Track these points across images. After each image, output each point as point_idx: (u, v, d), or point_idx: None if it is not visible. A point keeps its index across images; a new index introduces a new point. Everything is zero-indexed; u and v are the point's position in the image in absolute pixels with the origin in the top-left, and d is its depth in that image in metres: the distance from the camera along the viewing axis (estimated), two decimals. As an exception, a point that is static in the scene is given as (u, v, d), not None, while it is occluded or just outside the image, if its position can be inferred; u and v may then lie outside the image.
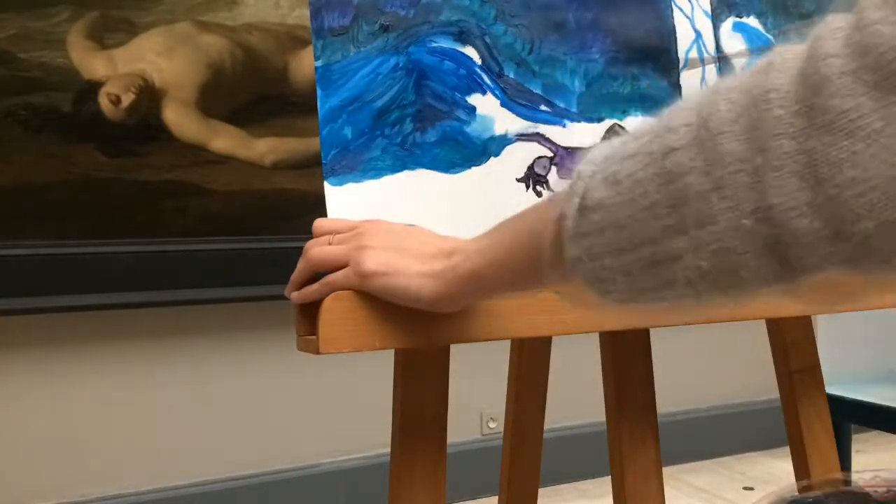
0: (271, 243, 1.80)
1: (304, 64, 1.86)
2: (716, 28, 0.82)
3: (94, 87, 1.70)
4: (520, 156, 0.73)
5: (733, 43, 0.82)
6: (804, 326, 0.91)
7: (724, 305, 0.45)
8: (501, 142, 0.72)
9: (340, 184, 0.66)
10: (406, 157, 0.68)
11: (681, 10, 0.80)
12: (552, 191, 0.73)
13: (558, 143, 0.74)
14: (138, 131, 1.73)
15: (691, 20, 0.81)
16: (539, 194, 0.73)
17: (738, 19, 0.83)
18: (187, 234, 1.76)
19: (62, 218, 1.66)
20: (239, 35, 1.83)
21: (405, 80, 0.69)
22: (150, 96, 1.74)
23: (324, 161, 0.66)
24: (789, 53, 0.40)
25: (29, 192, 1.64)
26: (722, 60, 0.82)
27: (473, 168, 0.71)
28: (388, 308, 0.60)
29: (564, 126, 0.75)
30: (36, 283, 1.62)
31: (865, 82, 0.36)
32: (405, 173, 0.68)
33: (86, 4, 1.69)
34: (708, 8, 0.82)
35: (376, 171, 0.67)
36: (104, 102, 1.70)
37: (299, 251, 0.64)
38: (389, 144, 0.68)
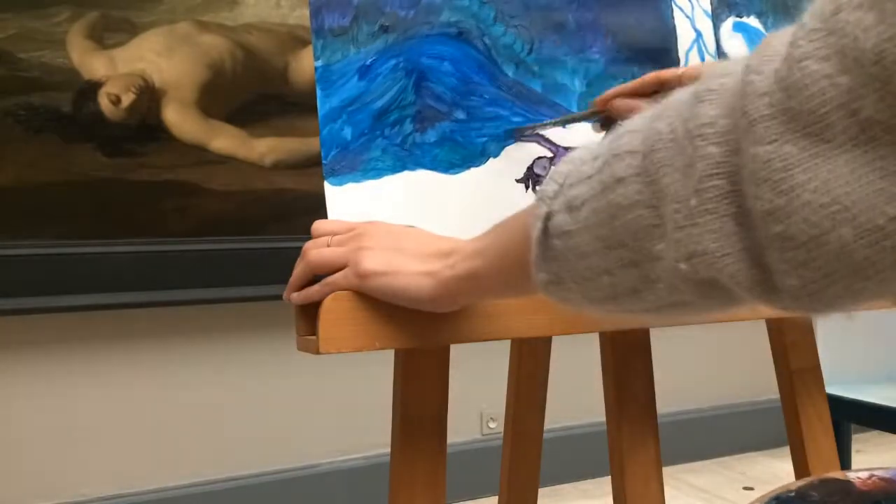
0: (271, 243, 1.80)
1: (304, 64, 1.86)
2: (716, 28, 0.82)
3: (94, 87, 1.70)
4: (519, 156, 0.73)
5: (733, 43, 0.83)
6: (804, 326, 0.91)
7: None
8: (501, 142, 0.72)
9: (340, 184, 0.66)
10: (406, 158, 0.68)
11: (681, 10, 0.80)
12: None
13: (558, 143, 0.74)
14: (138, 131, 1.73)
15: (692, 20, 0.81)
16: None
17: (738, 19, 0.83)
18: (187, 234, 1.76)
19: (62, 218, 1.66)
20: (239, 35, 1.83)
21: (405, 81, 0.69)
22: (150, 96, 1.74)
23: (324, 161, 0.66)
24: (727, 79, 0.37)
25: (29, 192, 1.64)
26: (722, 59, 0.82)
27: (473, 168, 0.71)
28: (388, 308, 0.60)
29: (564, 126, 0.75)
30: (36, 283, 1.62)
31: (791, 127, 0.33)
32: (405, 173, 0.68)
33: (86, 4, 1.69)
34: (708, 8, 0.82)
35: (376, 172, 0.67)
36: (104, 102, 1.70)
37: (299, 251, 0.64)
38: (389, 145, 0.68)
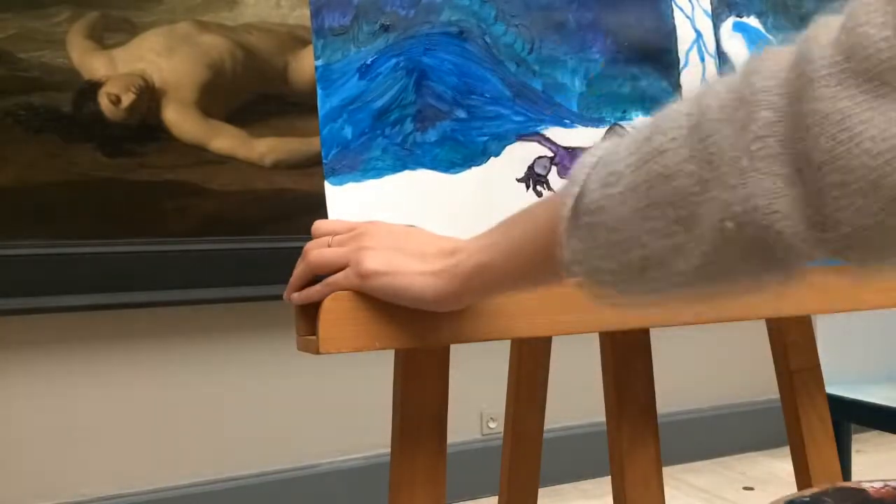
0: (271, 243, 1.80)
1: (304, 64, 1.86)
2: (716, 28, 0.82)
3: (94, 87, 1.70)
4: (520, 156, 0.73)
5: (734, 43, 0.82)
6: (804, 326, 0.91)
7: (717, 300, 0.45)
8: (502, 142, 0.72)
9: (341, 183, 0.66)
10: (406, 157, 0.68)
11: (681, 10, 0.80)
12: (553, 191, 0.73)
13: (559, 142, 0.74)
14: (138, 131, 1.73)
15: (692, 20, 0.81)
16: (539, 194, 0.73)
17: (738, 19, 0.83)
18: (187, 234, 1.76)
19: (62, 218, 1.66)
20: (239, 35, 1.83)
21: (405, 80, 0.69)
22: (150, 96, 1.74)
23: (324, 161, 0.66)
24: (780, 54, 0.40)
25: (29, 192, 1.63)
26: (722, 60, 0.82)
27: (474, 168, 0.71)
28: (388, 308, 0.60)
29: (565, 126, 0.75)
30: (36, 283, 1.62)
31: (849, 85, 0.35)
32: (406, 173, 0.68)
33: (86, 4, 1.69)
34: (708, 8, 0.82)
35: (377, 171, 0.67)
36: (104, 102, 1.70)
37: (299, 251, 0.64)
38: (390, 144, 0.68)
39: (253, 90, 1.84)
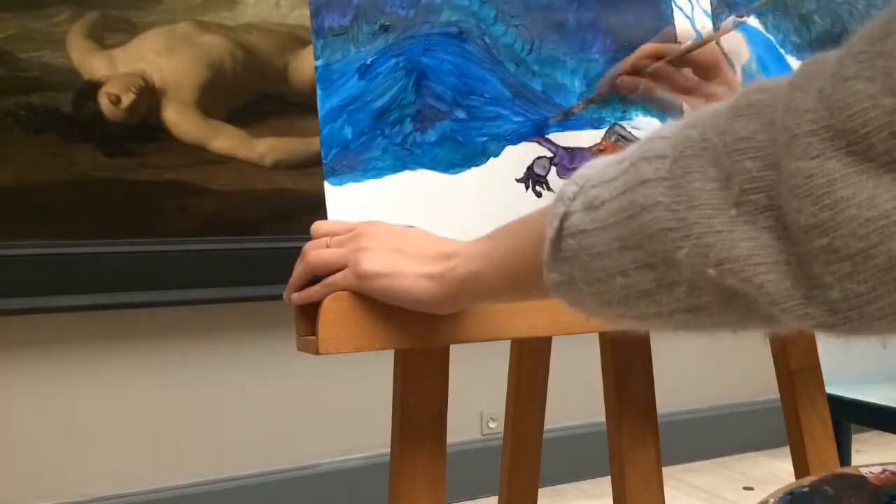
0: (271, 243, 1.80)
1: (304, 64, 1.86)
2: (716, 28, 0.82)
3: (94, 87, 1.70)
4: (519, 156, 0.73)
5: (734, 41, 0.83)
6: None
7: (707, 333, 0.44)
8: (501, 142, 0.72)
9: (341, 183, 0.66)
10: (406, 157, 0.68)
11: (681, 9, 0.80)
12: (552, 191, 0.73)
13: (558, 143, 0.74)
14: (138, 131, 1.73)
15: (691, 20, 0.81)
16: (539, 195, 0.73)
17: (738, 19, 0.83)
18: (187, 234, 1.76)
19: (62, 218, 1.66)
20: (239, 35, 1.83)
21: (405, 80, 0.69)
22: (150, 96, 1.74)
23: (324, 161, 0.66)
24: (766, 95, 0.38)
25: (29, 192, 1.63)
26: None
27: (473, 168, 0.71)
28: (388, 308, 0.60)
29: (565, 126, 0.75)
30: (36, 283, 1.62)
31: (834, 145, 0.33)
32: (405, 173, 0.68)
33: (86, 4, 1.69)
34: (708, 8, 0.82)
35: (377, 171, 0.67)
36: (104, 102, 1.70)
37: (299, 251, 0.64)
38: (390, 144, 0.68)
39: (253, 90, 1.84)
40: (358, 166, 0.67)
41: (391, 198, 0.67)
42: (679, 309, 0.41)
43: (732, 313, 0.39)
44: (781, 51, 0.85)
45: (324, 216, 0.65)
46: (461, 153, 0.70)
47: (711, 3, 0.82)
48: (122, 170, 1.71)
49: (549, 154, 0.74)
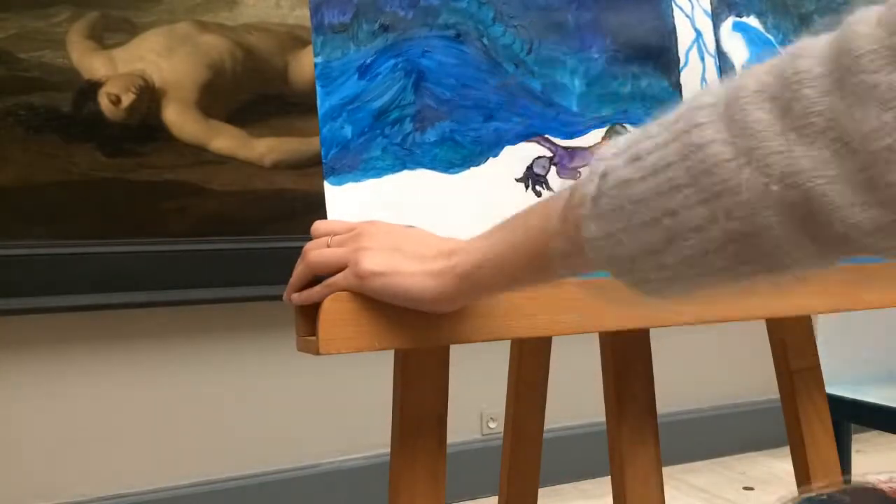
0: (271, 243, 1.80)
1: (304, 64, 1.86)
2: (716, 27, 0.82)
3: (94, 87, 1.70)
4: (519, 156, 0.73)
5: (733, 42, 0.83)
6: (804, 326, 0.91)
7: (748, 283, 0.44)
8: (500, 142, 0.72)
9: (340, 183, 0.66)
10: (406, 157, 0.68)
11: (681, 9, 0.80)
12: (552, 190, 0.73)
13: (558, 143, 0.74)
14: (138, 131, 1.73)
15: (692, 19, 0.81)
16: (538, 194, 0.73)
17: (738, 19, 0.83)
18: (187, 234, 1.76)
19: (62, 218, 1.66)
20: (239, 35, 1.83)
21: (404, 81, 0.69)
22: (150, 96, 1.74)
23: (324, 160, 0.66)
24: (820, 40, 0.40)
25: (29, 192, 1.63)
26: (722, 59, 0.82)
27: (473, 168, 0.71)
28: (388, 309, 0.60)
29: (564, 125, 0.75)
30: (36, 283, 1.62)
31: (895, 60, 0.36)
32: (405, 173, 0.68)
33: (86, 4, 1.69)
34: (708, 7, 0.82)
35: (376, 171, 0.67)
36: (104, 102, 1.70)
37: (299, 251, 0.64)
38: (389, 144, 0.68)
39: (253, 90, 1.84)
40: (357, 166, 0.67)
41: (391, 198, 0.67)
42: (727, 240, 0.41)
43: (794, 228, 0.40)
44: (781, 51, 0.85)
45: (324, 216, 0.65)
46: (460, 153, 0.70)
47: (711, 3, 0.82)
48: (122, 170, 1.71)
49: (549, 154, 0.74)
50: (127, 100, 1.72)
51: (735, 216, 0.41)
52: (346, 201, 0.66)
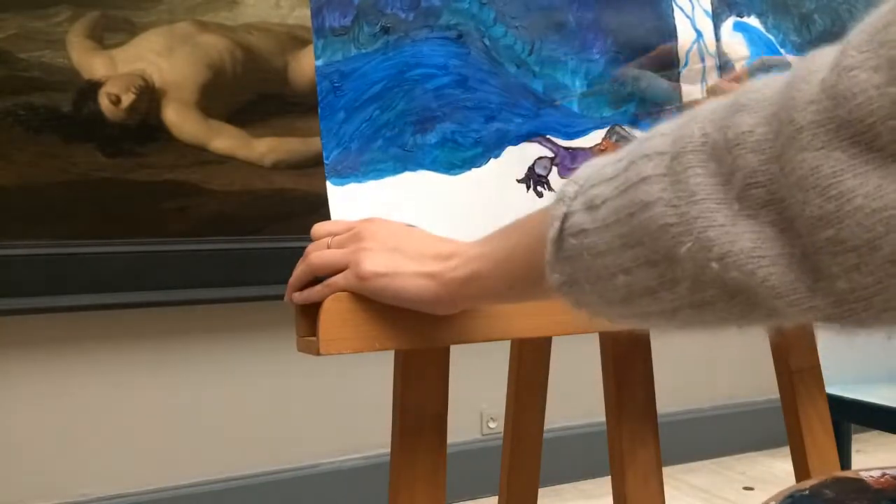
0: (271, 243, 1.80)
1: (304, 64, 1.86)
2: (716, 28, 0.82)
3: (94, 87, 1.70)
4: (520, 157, 0.73)
5: (734, 42, 0.83)
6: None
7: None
8: (502, 142, 0.72)
9: (343, 184, 0.66)
10: (407, 159, 0.68)
11: (681, 9, 0.80)
12: (553, 191, 0.73)
13: (559, 143, 0.74)
14: (138, 131, 1.73)
15: (692, 20, 0.81)
16: (540, 195, 0.73)
17: (738, 19, 0.83)
18: (187, 234, 1.76)
19: (62, 218, 1.66)
20: (239, 35, 1.83)
21: (405, 83, 0.69)
22: (150, 96, 1.74)
23: (325, 161, 0.66)
24: (767, 90, 0.37)
25: (29, 192, 1.63)
26: (722, 60, 0.82)
27: (474, 169, 0.71)
28: (388, 309, 0.60)
29: (565, 126, 0.75)
30: (36, 283, 1.62)
31: (840, 135, 0.33)
32: (406, 174, 0.68)
33: (86, 4, 1.69)
34: (709, 7, 0.82)
35: (377, 172, 0.67)
36: (104, 102, 1.70)
37: (299, 251, 0.64)
38: (390, 146, 0.68)
39: (253, 90, 1.84)
40: (359, 167, 0.67)
41: (392, 199, 0.67)
42: (682, 305, 0.41)
43: (736, 308, 0.39)
44: (782, 50, 0.85)
45: (324, 216, 0.66)
46: (461, 155, 0.70)
47: (712, 3, 0.82)
48: (122, 170, 1.71)
49: (551, 154, 0.74)
50: (127, 100, 1.72)
51: (680, 287, 0.40)
52: (348, 202, 0.66)
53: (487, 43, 0.72)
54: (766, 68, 0.82)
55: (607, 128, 0.76)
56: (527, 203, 0.72)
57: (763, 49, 0.84)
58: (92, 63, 1.70)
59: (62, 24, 1.67)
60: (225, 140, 1.80)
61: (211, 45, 1.80)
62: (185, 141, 1.77)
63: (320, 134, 0.66)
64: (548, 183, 0.73)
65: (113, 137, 1.71)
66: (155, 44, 1.75)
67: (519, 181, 0.73)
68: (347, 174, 0.66)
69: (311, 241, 0.65)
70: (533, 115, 0.73)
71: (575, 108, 0.75)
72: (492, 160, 0.71)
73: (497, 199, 0.71)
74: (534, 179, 0.73)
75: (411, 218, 0.67)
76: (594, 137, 0.76)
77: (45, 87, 1.66)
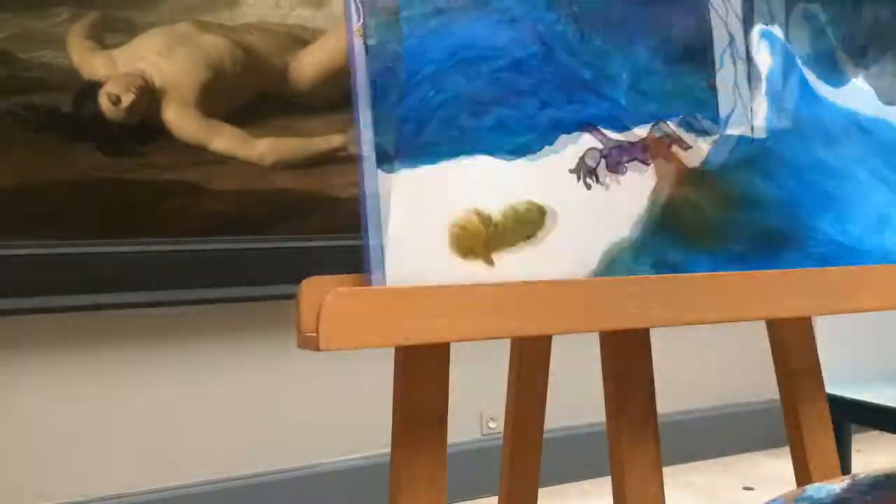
0: (271, 243, 1.79)
1: (304, 64, 1.86)
2: (746, 33, 0.82)
3: (94, 87, 1.70)
4: (573, 146, 0.73)
5: (761, 48, 0.83)
6: (804, 326, 0.91)
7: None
8: (555, 130, 0.72)
9: (394, 171, 0.65)
10: (461, 143, 0.68)
11: (716, 11, 0.81)
12: (601, 184, 0.73)
13: (608, 135, 0.74)
14: (138, 131, 1.73)
15: (726, 23, 0.81)
16: (588, 186, 0.73)
17: (765, 27, 0.84)
18: (187, 234, 1.76)
19: (62, 218, 1.66)
20: (239, 35, 1.83)
21: (460, 66, 0.68)
22: (150, 96, 1.74)
23: (377, 148, 0.64)
24: None
25: (29, 192, 1.63)
26: (751, 65, 0.83)
27: (529, 155, 0.70)
28: (390, 305, 0.60)
29: (613, 118, 0.75)
30: (36, 283, 1.62)
31: None
32: (460, 159, 0.68)
33: (86, 4, 1.69)
34: (739, 12, 0.82)
35: (432, 157, 0.66)
36: (104, 102, 1.70)
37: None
38: (444, 130, 0.67)
39: (253, 90, 1.84)
40: (413, 152, 0.66)
41: (445, 184, 0.67)
42: None
43: None
44: (798, 61, 0.86)
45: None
46: (514, 141, 0.70)
47: (742, 9, 0.83)
48: (122, 170, 1.71)
49: (600, 146, 0.74)
50: (127, 100, 1.72)
51: None
52: (400, 189, 0.65)
53: (541, 28, 0.72)
54: None
55: (651, 123, 0.76)
56: (577, 193, 0.72)
57: (784, 60, 0.84)
58: (92, 63, 1.70)
59: (62, 25, 1.67)
60: (225, 140, 1.80)
61: (211, 45, 1.80)
62: (185, 141, 1.77)
63: (372, 119, 0.64)
64: (596, 175, 0.73)
65: (113, 137, 1.71)
66: (155, 44, 1.75)
67: (571, 171, 0.72)
68: (400, 160, 0.65)
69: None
70: (584, 105, 0.73)
71: (622, 101, 0.75)
72: (545, 147, 0.71)
73: (549, 188, 0.70)
74: (584, 170, 0.73)
75: (464, 202, 0.66)
76: (639, 132, 0.76)
77: (46, 87, 1.66)
